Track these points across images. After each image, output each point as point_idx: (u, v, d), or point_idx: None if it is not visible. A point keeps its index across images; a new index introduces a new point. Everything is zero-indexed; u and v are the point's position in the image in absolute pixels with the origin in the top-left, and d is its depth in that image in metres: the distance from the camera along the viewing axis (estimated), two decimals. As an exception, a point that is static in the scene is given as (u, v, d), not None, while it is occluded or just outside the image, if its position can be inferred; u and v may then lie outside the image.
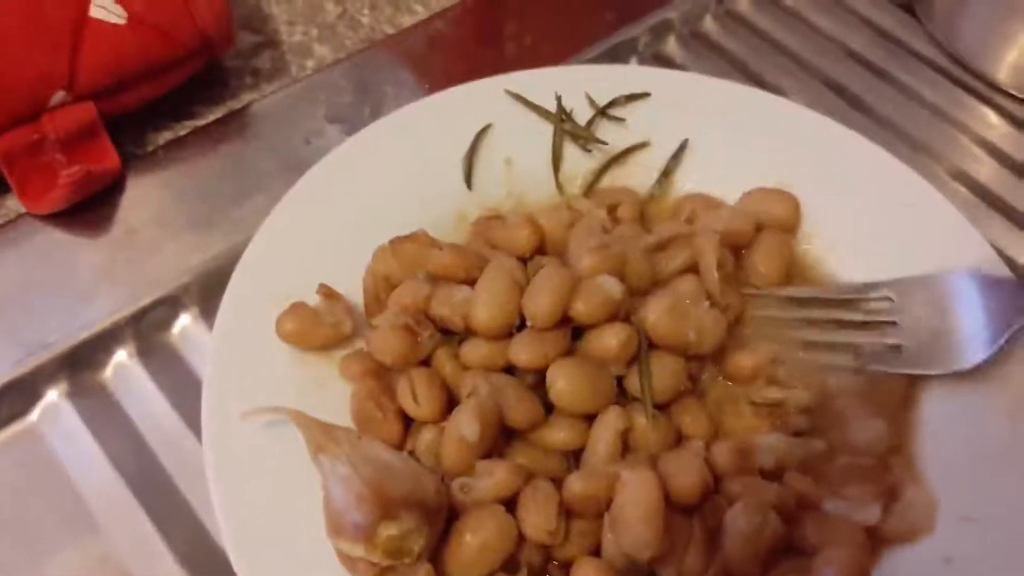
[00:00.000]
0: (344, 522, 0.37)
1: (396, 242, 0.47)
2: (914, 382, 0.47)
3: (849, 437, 0.46)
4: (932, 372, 0.46)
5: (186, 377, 0.50)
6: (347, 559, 0.38)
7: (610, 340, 0.44)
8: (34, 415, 0.48)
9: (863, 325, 0.49)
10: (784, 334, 0.49)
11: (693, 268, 0.49)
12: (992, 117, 0.65)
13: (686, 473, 0.41)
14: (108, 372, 0.50)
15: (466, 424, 0.41)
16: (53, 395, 0.49)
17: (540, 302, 0.43)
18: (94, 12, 0.53)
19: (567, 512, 0.41)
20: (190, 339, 0.51)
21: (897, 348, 0.47)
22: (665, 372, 0.44)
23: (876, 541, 0.43)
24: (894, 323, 0.48)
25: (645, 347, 0.44)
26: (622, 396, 0.44)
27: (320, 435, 0.40)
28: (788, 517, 0.42)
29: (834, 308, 0.50)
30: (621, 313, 0.45)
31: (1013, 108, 0.65)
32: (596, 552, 0.41)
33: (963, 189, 0.61)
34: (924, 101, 0.66)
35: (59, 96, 0.53)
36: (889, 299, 0.49)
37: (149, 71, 0.55)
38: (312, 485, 0.40)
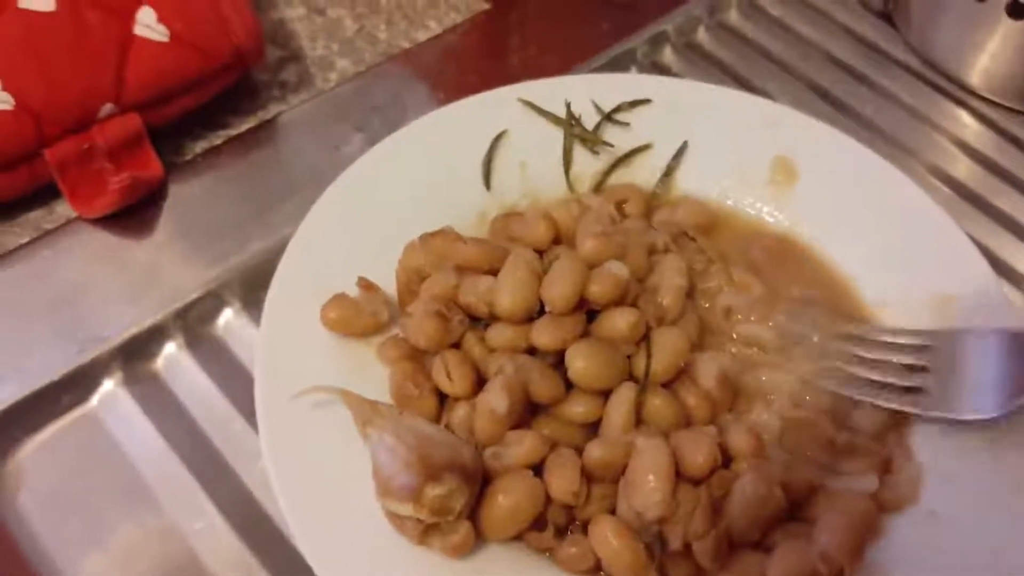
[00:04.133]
0: (393, 485, 0.42)
1: (425, 238, 0.52)
2: None
3: (850, 418, 0.50)
4: (950, 417, 0.48)
5: (231, 365, 0.54)
6: (396, 518, 0.42)
7: (620, 323, 0.48)
8: (93, 401, 0.52)
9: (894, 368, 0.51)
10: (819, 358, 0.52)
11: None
12: (966, 118, 0.70)
13: (696, 447, 0.45)
14: (159, 362, 0.54)
15: (496, 398, 0.45)
16: (110, 384, 0.53)
17: (558, 290, 0.47)
18: (139, 31, 0.58)
19: (588, 477, 0.45)
20: (233, 331, 0.55)
21: (921, 391, 0.49)
22: (667, 350, 0.49)
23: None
24: (924, 368, 0.50)
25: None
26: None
27: (367, 410, 0.44)
28: (796, 497, 0.46)
29: (874, 348, 0.52)
30: (629, 297, 0.49)
31: (985, 110, 0.70)
32: (614, 512, 0.45)
33: (940, 184, 0.66)
34: (902, 103, 0.71)
35: (107, 108, 0.57)
36: (926, 347, 0.51)
37: (189, 84, 0.59)
38: (358, 456, 0.45)
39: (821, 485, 0.47)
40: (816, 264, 0.57)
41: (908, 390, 0.50)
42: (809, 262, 0.57)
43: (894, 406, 0.49)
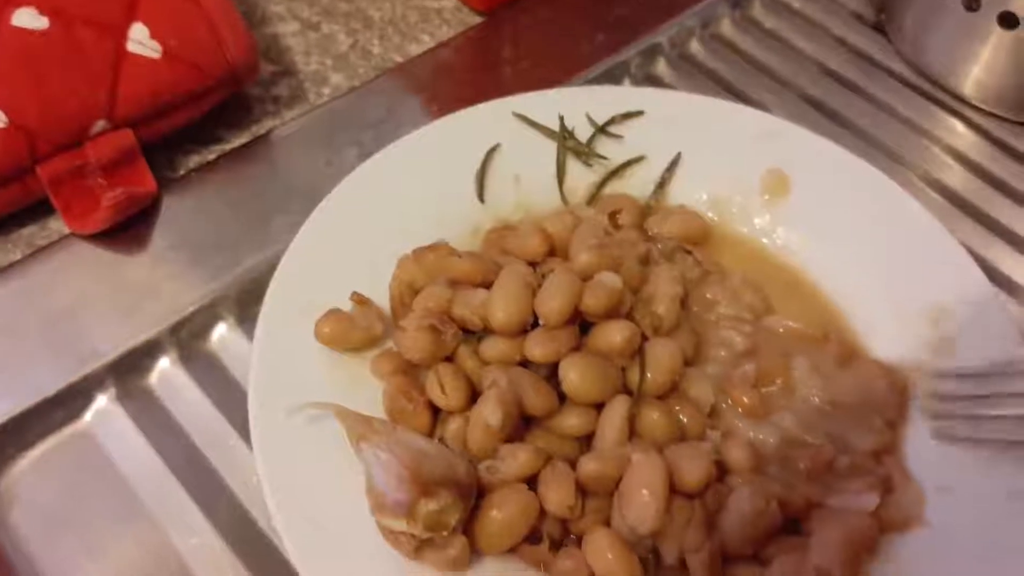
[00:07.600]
0: (387, 501, 0.42)
1: (418, 252, 0.52)
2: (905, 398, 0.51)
3: (848, 439, 0.50)
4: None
5: (225, 380, 0.54)
6: (390, 534, 0.42)
7: (615, 336, 0.48)
8: (87, 417, 0.52)
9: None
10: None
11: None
12: (960, 127, 0.70)
13: (692, 462, 0.45)
14: (153, 377, 0.54)
15: (490, 412, 0.45)
16: (103, 400, 0.53)
17: (552, 303, 0.47)
18: (131, 47, 0.58)
19: (582, 490, 0.45)
20: (227, 346, 0.55)
21: None
22: (661, 364, 0.49)
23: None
24: None
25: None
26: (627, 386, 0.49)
27: (360, 426, 0.44)
28: (794, 513, 0.46)
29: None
30: (623, 308, 0.49)
31: (979, 119, 0.70)
32: (608, 525, 0.45)
33: (934, 194, 0.66)
34: (896, 114, 0.71)
35: (100, 125, 0.57)
36: None
37: (182, 100, 0.59)
38: (351, 471, 0.45)
39: (819, 502, 0.47)
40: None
41: None
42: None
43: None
